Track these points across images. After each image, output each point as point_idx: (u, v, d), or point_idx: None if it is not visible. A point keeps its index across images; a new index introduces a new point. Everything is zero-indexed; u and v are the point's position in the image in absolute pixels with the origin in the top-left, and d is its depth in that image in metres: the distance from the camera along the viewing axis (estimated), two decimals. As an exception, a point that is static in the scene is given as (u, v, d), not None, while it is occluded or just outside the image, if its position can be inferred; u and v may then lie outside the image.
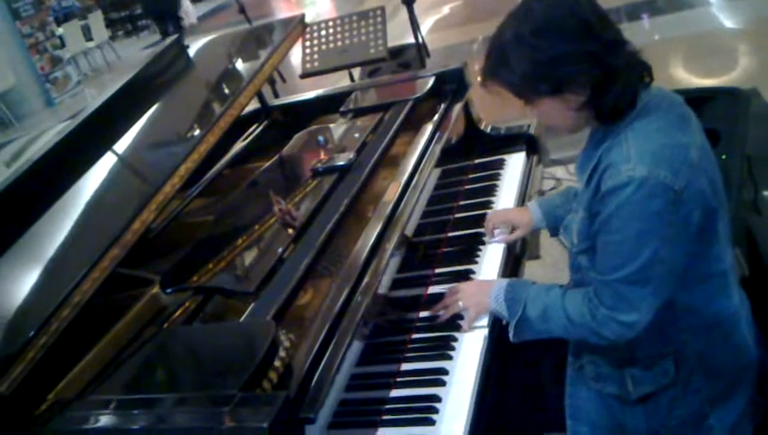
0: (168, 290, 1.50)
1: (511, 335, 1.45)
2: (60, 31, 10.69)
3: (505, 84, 1.29)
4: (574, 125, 1.33)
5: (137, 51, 12.35)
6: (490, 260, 1.78)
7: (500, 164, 2.21)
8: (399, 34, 4.26)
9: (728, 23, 5.37)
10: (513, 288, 1.47)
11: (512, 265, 1.84)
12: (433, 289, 1.72)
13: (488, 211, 1.98)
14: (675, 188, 1.19)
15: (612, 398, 1.45)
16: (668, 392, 1.38)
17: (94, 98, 2.02)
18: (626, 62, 1.25)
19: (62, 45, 10.46)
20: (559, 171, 3.74)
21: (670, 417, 1.39)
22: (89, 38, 11.58)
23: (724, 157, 2.17)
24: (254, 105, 2.48)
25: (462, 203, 2.06)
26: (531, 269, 1.79)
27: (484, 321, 1.55)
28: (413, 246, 1.83)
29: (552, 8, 1.23)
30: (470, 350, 1.49)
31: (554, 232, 1.75)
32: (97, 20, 11.87)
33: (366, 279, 1.51)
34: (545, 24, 1.22)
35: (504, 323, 1.50)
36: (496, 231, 1.83)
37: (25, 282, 1.43)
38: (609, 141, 1.28)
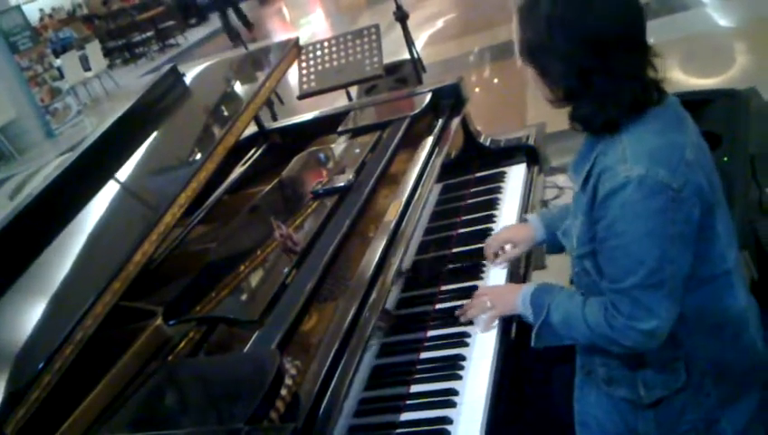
0: (171, 322, 1.49)
1: (533, 340, 1.45)
2: (58, 62, 10.73)
3: (518, 31, 1.31)
4: (550, 100, 1.34)
5: (135, 78, 12.41)
6: (496, 275, 1.76)
7: (501, 177, 2.20)
8: (395, 51, 4.28)
9: (723, 23, 5.37)
10: (540, 293, 1.48)
11: (518, 279, 1.82)
12: (440, 306, 1.71)
13: (491, 225, 1.96)
14: (674, 187, 1.20)
15: (624, 402, 1.43)
16: (680, 397, 1.36)
17: (95, 127, 2.02)
18: (620, 94, 1.24)
19: (61, 76, 10.49)
20: (560, 179, 3.72)
21: (682, 421, 1.38)
22: (87, 68, 11.63)
23: (726, 159, 2.15)
24: (252, 129, 2.48)
25: (464, 218, 2.05)
26: (537, 279, 1.77)
27: (493, 338, 1.54)
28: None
29: (593, 11, 1.21)
30: (479, 369, 1.48)
31: (553, 247, 1.70)
32: (94, 50, 11.93)
33: (372, 297, 1.50)
34: (572, 16, 1.22)
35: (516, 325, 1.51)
36: (497, 260, 1.78)
37: (28, 319, 1.42)
38: (604, 144, 1.29)
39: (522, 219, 1.92)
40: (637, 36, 1.26)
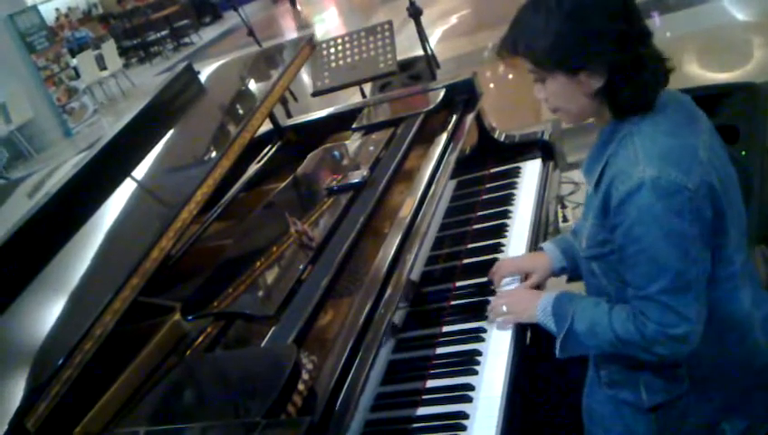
0: (190, 317, 1.50)
1: (557, 351, 1.40)
2: (74, 62, 10.82)
3: (527, 53, 1.25)
4: (581, 112, 1.29)
5: (150, 77, 12.48)
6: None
7: (516, 172, 2.19)
8: (409, 47, 4.27)
9: (740, 16, 5.31)
10: (561, 302, 1.42)
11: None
12: (455, 302, 1.71)
13: (506, 221, 1.96)
14: (689, 187, 1.17)
15: (626, 405, 1.41)
16: (682, 401, 1.34)
17: (111, 126, 2.04)
18: (654, 54, 1.24)
19: (78, 76, 10.59)
20: (576, 175, 3.70)
21: (683, 424, 1.36)
22: (103, 67, 11.72)
23: (744, 153, 2.13)
24: (267, 126, 2.49)
25: (480, 214, 2.05)
26: (550, 282, 1.72)
27: (509, 334, 1.54)
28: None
29: None
30: (496, 364, 1.48)
31: (574, 273, 1.61)
32: (110, 49, 12.00)
33: (388, 292, 1.50)
34: None
35: (529, 332, 1.48)
36: (506, 280, 1.70)
37: (47, 315, 1.43)
38: (615, 144, 1.26)
39: (536, 248, 1.83)
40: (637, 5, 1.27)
